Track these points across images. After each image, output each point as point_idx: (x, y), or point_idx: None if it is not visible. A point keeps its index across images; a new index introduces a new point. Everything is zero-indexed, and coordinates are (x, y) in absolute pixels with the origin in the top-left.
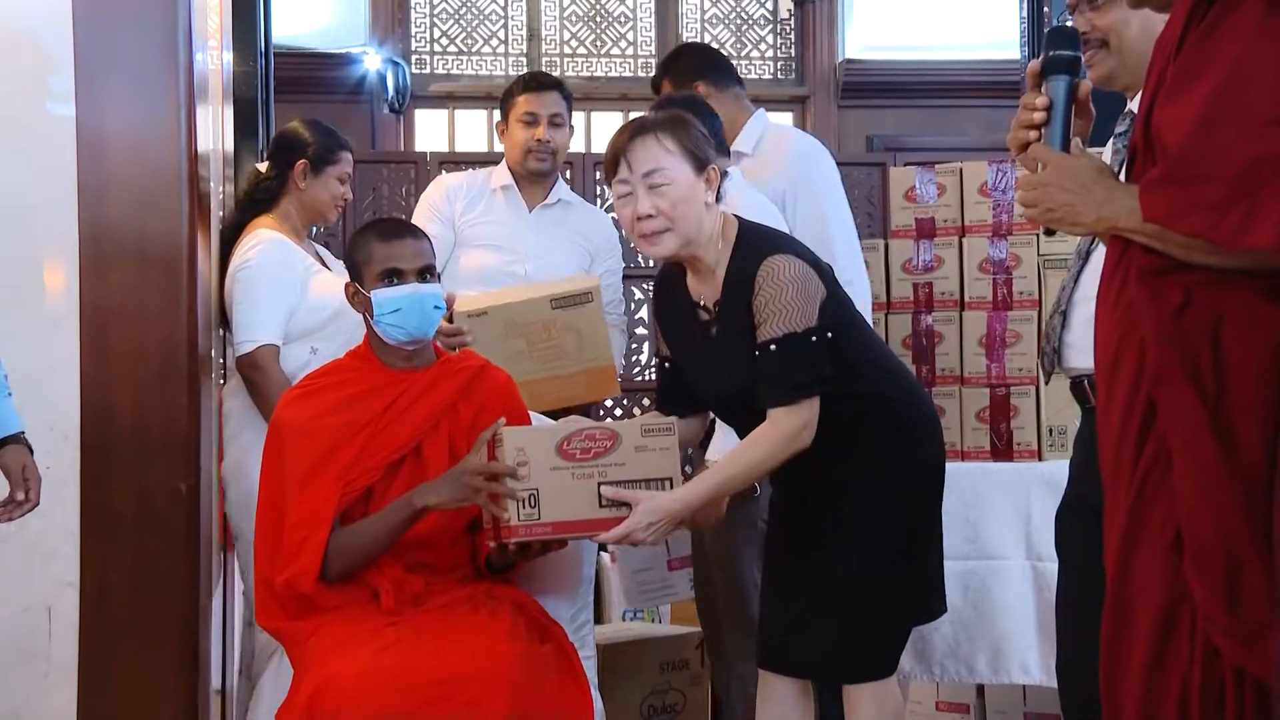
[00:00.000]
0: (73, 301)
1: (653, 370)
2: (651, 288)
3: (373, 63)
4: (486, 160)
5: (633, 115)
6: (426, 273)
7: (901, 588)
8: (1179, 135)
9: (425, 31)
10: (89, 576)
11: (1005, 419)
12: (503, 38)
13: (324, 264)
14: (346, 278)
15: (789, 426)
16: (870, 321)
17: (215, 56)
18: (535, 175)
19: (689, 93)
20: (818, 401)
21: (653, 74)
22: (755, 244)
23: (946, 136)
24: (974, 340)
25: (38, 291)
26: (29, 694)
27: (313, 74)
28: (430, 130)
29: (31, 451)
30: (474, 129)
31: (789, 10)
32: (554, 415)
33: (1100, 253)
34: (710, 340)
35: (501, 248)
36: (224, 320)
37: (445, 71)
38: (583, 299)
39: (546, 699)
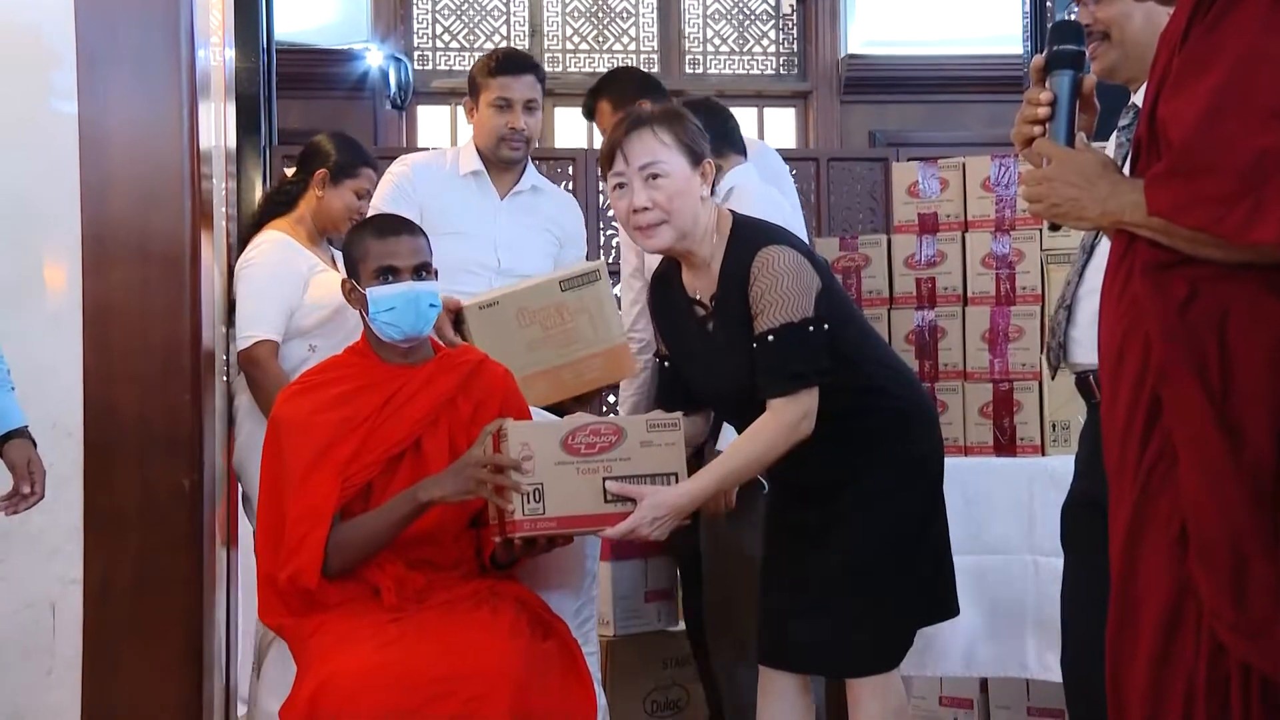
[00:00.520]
0: (75, 298)
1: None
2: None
3: (375, 59)
4: None
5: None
6: (422, 270)
7: (901, 582)
8: (1184, 129)
9: (427, 28)
10: (92, 573)
11: (1008, 414)
12: (505, 34)
13: (336, 268)
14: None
15: (789, 416)
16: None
17: (217, 53)
18: (506, 163)
19: (705, 96)
20: (817, 391)
21: (655, 70)
22: (750, 236)
23: (949, 131)
24: (977, 335)
25: (40, 288)
26: (33, 690)
27: (315, 70)
28: (432, 126)
29: (35, 445)
30: None
31: (791, 5)
32: (558, 410)
33: (1105, 247)
34: (708, 335)
35: (471, 236)
36: (231, 317)
37: (447, 68)
38: (590, 278)
39: (549, 696)
